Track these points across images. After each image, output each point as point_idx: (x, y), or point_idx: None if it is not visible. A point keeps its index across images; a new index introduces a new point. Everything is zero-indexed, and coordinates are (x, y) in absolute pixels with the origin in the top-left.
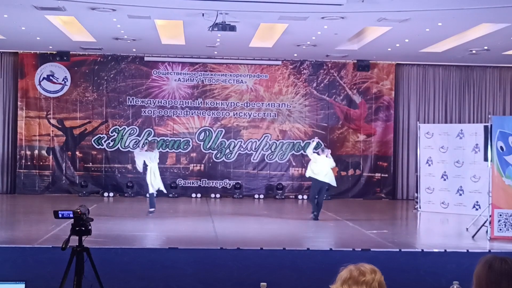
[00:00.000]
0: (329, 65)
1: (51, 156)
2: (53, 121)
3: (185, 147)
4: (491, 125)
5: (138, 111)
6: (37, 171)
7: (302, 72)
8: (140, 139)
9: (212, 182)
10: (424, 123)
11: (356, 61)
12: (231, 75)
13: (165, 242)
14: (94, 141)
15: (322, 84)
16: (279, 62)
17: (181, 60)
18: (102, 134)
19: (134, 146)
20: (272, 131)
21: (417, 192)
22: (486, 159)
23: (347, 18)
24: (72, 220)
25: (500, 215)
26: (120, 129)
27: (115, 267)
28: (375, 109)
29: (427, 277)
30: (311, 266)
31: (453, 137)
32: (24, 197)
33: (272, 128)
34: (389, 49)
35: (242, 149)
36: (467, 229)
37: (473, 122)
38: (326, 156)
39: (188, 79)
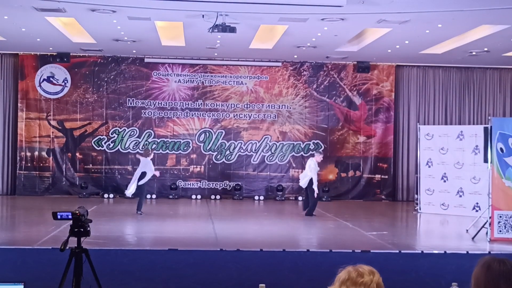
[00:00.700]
0: (329, 66)
1: (51, 158)
2: (53, 123)
3: (185, 148)
4: (491, 126)
5: (138, 113)
6: (37, 172)
7: (302, 73)
8: (140, 140)
9: (212, 184)
10: (424, 124)
11: (356, 62)
12: (231, 77)
13: (165, 243)
14: (94, 142)
15: (322, 86)
16: (279, 64)
17: (181, 61)
18: (102, 135)
19: (134, 147)
20: (272, 133)
21: (417, 193)
22: (486, 161)
23: (347, 19)
24: (71, 221)
25: (500, 216)
26: (120, 130)
27: (115, 268)
28: (375, 111)
29: (427, 278)
30: (311, 267)
31: (453, 139)
32: (24, 199)
33: (272, 129)
34: (389, 51)
35: (242, 151)
36: (467, 230)
37: (473, 124)
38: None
39: (188, 80)
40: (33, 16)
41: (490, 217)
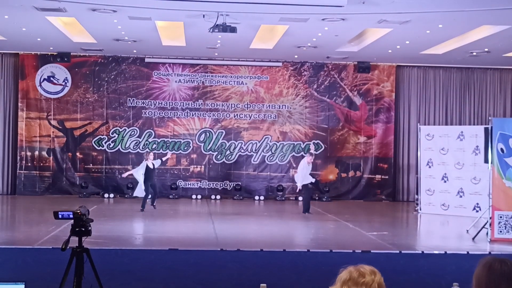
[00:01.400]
0: (330, 66)
1: (51, 157)
2: (53, 122)
3: (185, 148)
4: (491, 127)
5: (139, 112)
6: (38, 172)
7: (303, 73)
8: (140, 140)
9: (213, 184)
10: (425, 125)
11: (356, 62)
12: (231, 77)
13: (165, 243)
14: (94, 142)
15: (322, 86)
16: (280, 64)
17: (182, 61)
18: (102, 135)
19: (134, 147)
20: (273, 133)
21: (417, 194)
22: (486, 161)
23: (348, 19)
24: (72, 221)
25: (501, 217)
26: (120, 130)
27: (115, 268)
28: (375, 111)
29: (427, 279)
30: (311, 267)
31: (453, 139)
32: (24, 198)
33: (273, 129)
34: (390, 51)
35: (242, 151)
36: (467, 231)
37: (474, 124)
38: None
39: (189, 80)
40: (33, 16)
41: (490, 218)
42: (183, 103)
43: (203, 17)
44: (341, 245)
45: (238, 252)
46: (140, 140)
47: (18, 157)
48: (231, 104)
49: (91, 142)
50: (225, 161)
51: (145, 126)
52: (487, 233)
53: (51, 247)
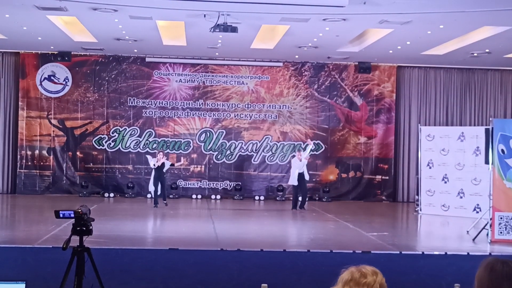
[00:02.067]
0: (331, 67)
1: (51, 156)
2: (54, 121)
3: (185, 148)
4: (492, 128)
5: (139, 112)
6: (38, 171)
7: (303, 73)
8: (140, 140)
9: (213, 183)
10: (425, 125)
11: (357, 63)
12: (232, 77)
13: (166, 243)
14: (95, 141)
15: (323, 86)
16: (280, 64)
17: (183, 61)
18: (103, 134)
19: (134, 146)
20: (273, 133)
21: (417, 194)
22: (487, 162)
23: (349, 20)
24: (73, 220)
25: (501, 218)
26: (121, 129)
27: (115, 267)
28: (376, 111)
29: (428, 279)
30: (311, 267)
31: (454, 140)
32: (24, 197)
33: (273, 129)
34: (391, 51)
35: (242, 151)
36: (467, 232)
37: (474, 125)
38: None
39: (189, 80)
40: (34, 15)
41: (490, 219)
42: (183, 102)
43: (204, 16)
44: (341, 246)
45: (238, 252)
46: (141, 139)
47: (18, 156)
48: (232, 104)
49: (91, 142)
50: (226, 161)
51: (145, 126)
52: (487, 234)
53: (51, 247)
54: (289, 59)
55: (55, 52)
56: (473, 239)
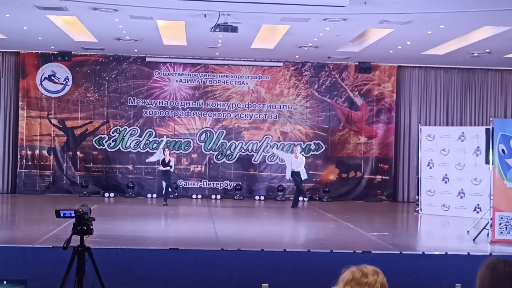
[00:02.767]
0: (331, 67)
1: (52, 156)
2: (54, 121)
3: (186, 148)
4: (492, 128)
5: (139, 112)
6: (38, 171)
7: (304, 73)
8: (141, 139)
9: (213, 183)
10: (426, 125)
11: (357, 63)
12: (232, 76)
13: (166, 242)
14: (95, 141)
15: (323, 86)
16: (281, 64)
17: (183, 61)
18: (103, 134)
19: (135, 146)
20: (273, 133)
21: (418, 194)
22: (487, 162)
23: (349, 20)
24: (74, 219)
25: (501, 218)
26: (121, 129)
27: (116, 267)
28: (376, 111)
29: (428, 279)
30: (311, 267)
31: (454, 140)
32: (24, 197)
33: (273, 129)
34: (391, 51)
35: (243, 151)
36: (468, 232)
37: (475, 125)
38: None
39: (190, 80)
40: (35, 15)
41: (491, 219)
42: (183, 102)
43: (205, 16)
44: (341, 246)
45: (239, 252)
46: (141, 139)
47: (19, 156)
48: (232, 104)
49: (91, 141)
50: (226, 161)
51: (145, 126)
52: (487, 234)
53: (51, 246)
54: (290, 59)
55: (55, 52)
56: (474, 239)
